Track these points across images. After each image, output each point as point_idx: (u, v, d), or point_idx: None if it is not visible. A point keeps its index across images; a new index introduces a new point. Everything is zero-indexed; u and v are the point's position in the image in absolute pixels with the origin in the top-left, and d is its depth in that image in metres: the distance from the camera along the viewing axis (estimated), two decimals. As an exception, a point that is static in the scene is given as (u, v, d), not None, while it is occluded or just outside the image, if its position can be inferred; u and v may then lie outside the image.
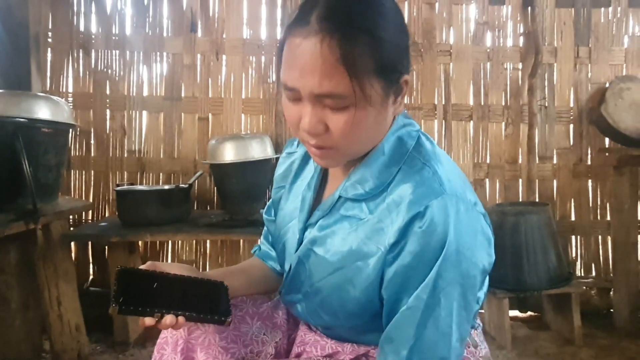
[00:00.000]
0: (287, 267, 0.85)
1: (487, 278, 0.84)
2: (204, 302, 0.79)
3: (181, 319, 0.73)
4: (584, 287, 2.39)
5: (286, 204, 0.89)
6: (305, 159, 0.90)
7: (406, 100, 2.84)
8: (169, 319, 0.71)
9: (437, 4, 2.47)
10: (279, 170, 0.95)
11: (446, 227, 0.65)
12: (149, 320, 0.72)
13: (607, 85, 2.38)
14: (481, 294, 0.83)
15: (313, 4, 0.66)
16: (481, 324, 0.92)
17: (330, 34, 0.62)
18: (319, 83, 0.64)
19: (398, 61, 0.69)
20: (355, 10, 0.65)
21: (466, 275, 0.67)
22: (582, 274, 2.48)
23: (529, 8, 2.45)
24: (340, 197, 0.77)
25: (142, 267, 0.79)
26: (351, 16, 0.64)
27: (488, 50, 2.48)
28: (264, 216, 1.00)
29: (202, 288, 0.81)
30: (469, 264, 0.67)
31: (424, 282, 0.66)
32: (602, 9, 2.48)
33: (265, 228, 1.01)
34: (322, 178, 0.85)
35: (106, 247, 2.27)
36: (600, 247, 2.49)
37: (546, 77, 2.47)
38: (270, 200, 0.97)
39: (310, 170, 0.86)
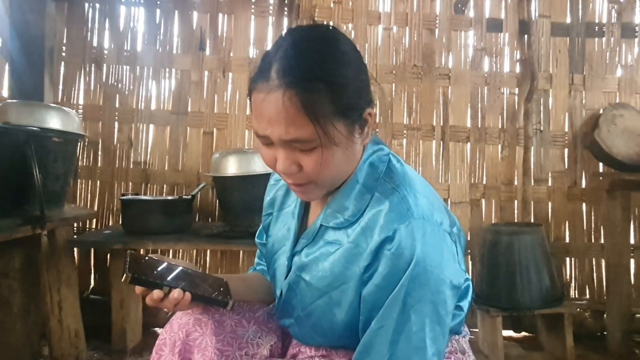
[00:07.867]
0: (278, 293, 0.90)
1: (471, 287, 0.88)
2: (207, 287, 0.84)
3: (187, 295, 0.78)
4: (578, 309, 2.40)
5: (274, 231, 0.94)
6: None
7: (405, 120, 2.85)
8: (176, 292, 0.77)
9: (436, 30, 2.56)
10: (267, 197, 1.00)
11: (413, 249, 0.70)
12: (157, 293, 0.76)
13: (601, 111, 2.44)
14: (465, 303, 0.87)
15: (272, 58, 0.72)
16: (468, 333, 0.96)
17: (289, 87, 0.68)
18: (286, 131, 0.69)
19: (358, 100, 0.74)
20: (311, 61, 0.70)
21: (436, 292, 0.71)
22: (576, 296, 2.50)
23: (525, 36, 2.54)
24: (321, 225, 0.82)
25: (150, 256, 0.85)
26: (307, 68, 0.70)
27: (485, 75, 2.56)
28: (257, 240, 1.06)
29: (206, 279, 0.87)
30: (437, 280, 0.71)
31: (394, 302, 0.70)
32: (596, 38, 2.57)
33: (258, 251, 1.07)
34: (305, 206, 0.90)
35: (108, 255, 2.31)
36: (594, 269, 2.52)
37: (542, 102, 2.55)
38: (261, 225, 1.03)
39: (294, 198, 0.92)
